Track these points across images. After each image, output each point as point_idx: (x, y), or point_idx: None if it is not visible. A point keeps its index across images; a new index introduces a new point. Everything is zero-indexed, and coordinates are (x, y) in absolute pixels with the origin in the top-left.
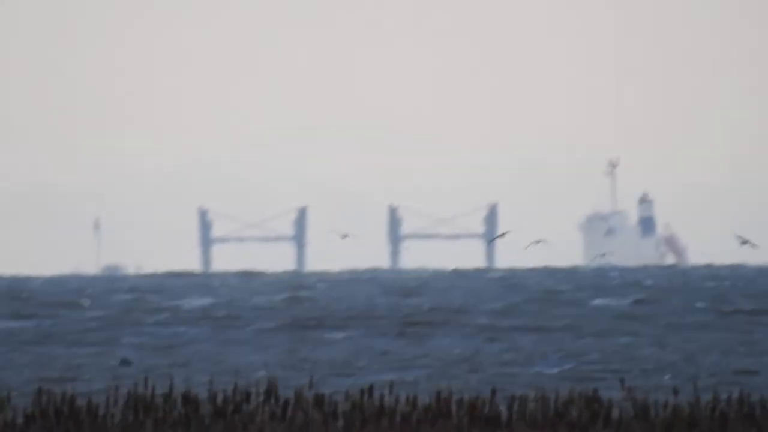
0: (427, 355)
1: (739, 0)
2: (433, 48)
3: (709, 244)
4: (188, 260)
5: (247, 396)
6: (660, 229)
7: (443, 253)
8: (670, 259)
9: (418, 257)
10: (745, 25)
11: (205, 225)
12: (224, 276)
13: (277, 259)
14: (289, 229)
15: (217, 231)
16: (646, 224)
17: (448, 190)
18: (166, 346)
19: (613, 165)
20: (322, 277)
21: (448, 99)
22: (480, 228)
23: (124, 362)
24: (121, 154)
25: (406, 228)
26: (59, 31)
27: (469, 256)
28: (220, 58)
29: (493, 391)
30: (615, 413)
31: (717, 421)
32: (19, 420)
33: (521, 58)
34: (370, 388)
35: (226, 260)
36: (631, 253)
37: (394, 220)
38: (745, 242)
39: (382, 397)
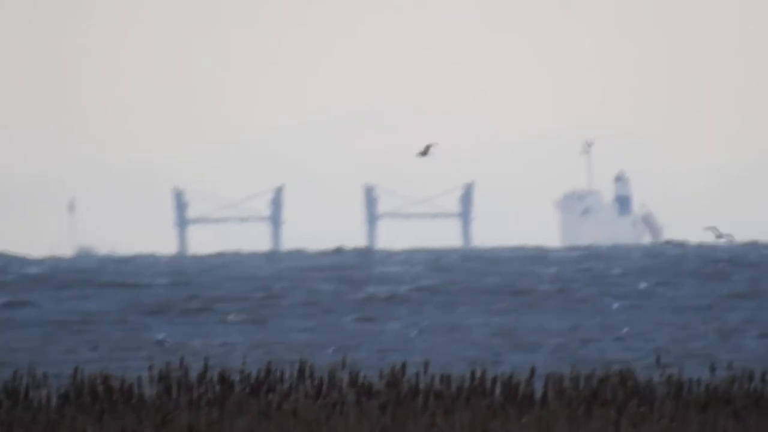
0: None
1: None
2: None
3: (684, 224)
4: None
5: (281, 375)
6: (636, 208)
7: (414, 233)
8: (646, 238)
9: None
10: (730, 12)
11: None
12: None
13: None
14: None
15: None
16: (623, 203)
17: (426, 170)
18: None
19: (589, 144)
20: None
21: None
22: (457, 207)
23: (160, 342)
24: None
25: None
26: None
27: (445, 234)
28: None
29: (532, 370)
30: (650, 391)
31: (752, 399)
32: (54, 400)
33: (508, 36)
34: (403, 367)
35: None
36: (607, 231)
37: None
38: (720, 236)
39: (417, 376)
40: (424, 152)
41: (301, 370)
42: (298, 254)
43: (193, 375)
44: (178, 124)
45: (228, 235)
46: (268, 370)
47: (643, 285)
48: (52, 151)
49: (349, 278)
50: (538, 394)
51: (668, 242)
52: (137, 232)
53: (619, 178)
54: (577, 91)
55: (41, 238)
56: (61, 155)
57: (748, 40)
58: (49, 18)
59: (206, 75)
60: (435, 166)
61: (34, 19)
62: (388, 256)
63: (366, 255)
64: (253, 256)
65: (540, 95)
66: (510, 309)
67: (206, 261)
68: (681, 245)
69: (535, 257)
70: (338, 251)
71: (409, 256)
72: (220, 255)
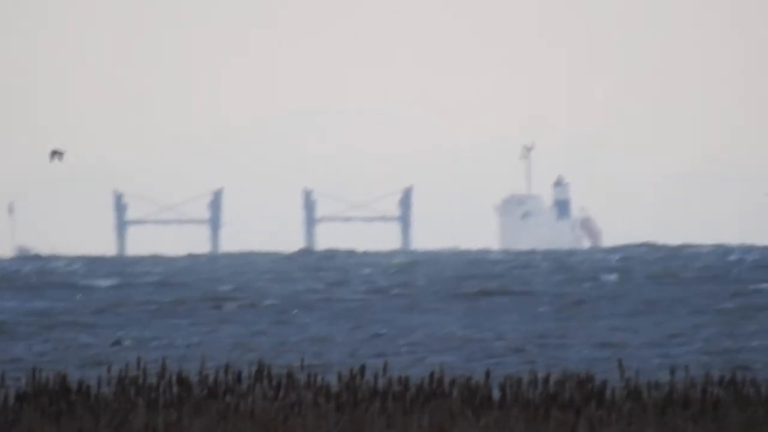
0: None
1: None
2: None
3: (624, 228)
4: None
5: (239, 376)
6: (575, 212)
7: (355, 236)
8: (585, 243)
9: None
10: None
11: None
12: None
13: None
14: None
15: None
16: (561, 207)
17: (364, 174)
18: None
19: (528, 148)
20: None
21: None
22: (396, 211)
23: (116, 342)
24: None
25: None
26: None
27: (384, 238)
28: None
29: (488, 372)
30: (608, 394)
31: (709, 403)
32: (11, 400)
33: (436, 40)
34: (362, 369)
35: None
36: (546, 236)
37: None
38: None
39: (375, 377)
40: (53, 157)
41: (260, 371)
42: (257, 255)
43: (152, 376)
44: (121, 126)
45: (167, 237)
46: (227, 372)
47: (599, 288)
48: None
49: (318, 279)
50: (497, 396)
51: (646, 244)
52: (77, 234)
53: (559, 183)
54: (519, 96)
55: None
56: (2, 156)
57: (700, 49)
58: None
59: (151, 78)
60: (376, 170)
61: None
62: (353, 256)
63: (340, 256)
64: (211, 258)
65: (481, 101)
66: (470, 311)
67: (162, 262)
68: (659, 248)
69: (481, 260)
70: (306, 251)
71: (378, 260)
72: (192, 257)
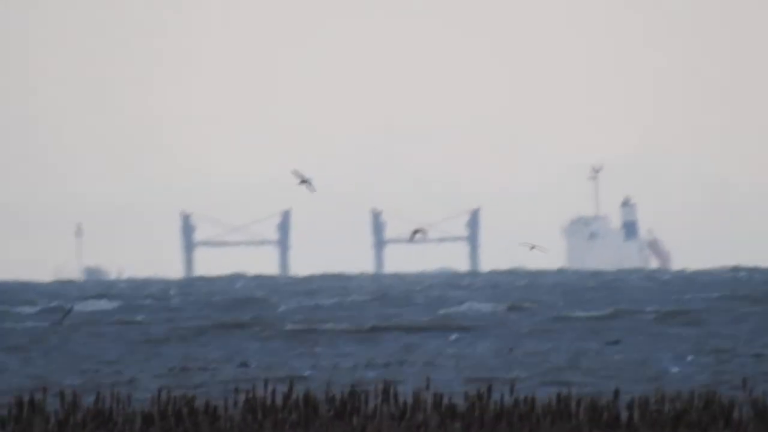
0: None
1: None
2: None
3: (692, 250)
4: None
5: (365, 397)
6: (643, 234)
7: (423, 258)
8: (653, 264)
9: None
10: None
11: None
12: None
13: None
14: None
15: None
16: (629, 228)
17: (431, 195)
18: None
19: (596, 170)
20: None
21: (438, 97)
22: (464, 232)
23: (243, 364)
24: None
25: (396, 233)
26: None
27: (454, 259)
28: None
29: (616, 392)
30: (735, 414)
31: None
32: (138, 421)
33: (501, 57)
34: (489, 389)
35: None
36: (613, 257)
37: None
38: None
39: (502, 397)
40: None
41: (386, 392)
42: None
43: (278, 397)
44: (189, 148)
45: (235, 259)
46: (353, 392)
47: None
48: (61, 175)
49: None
50: (624, 416)
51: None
52: (143, 255)
53: (626, 204)
54: (586, 115)
55: (48, 260)
56: (70, 178)
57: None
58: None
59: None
60: (444, 192)
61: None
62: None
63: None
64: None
65: (550, 122)
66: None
67: (266, 282)
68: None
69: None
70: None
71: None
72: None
